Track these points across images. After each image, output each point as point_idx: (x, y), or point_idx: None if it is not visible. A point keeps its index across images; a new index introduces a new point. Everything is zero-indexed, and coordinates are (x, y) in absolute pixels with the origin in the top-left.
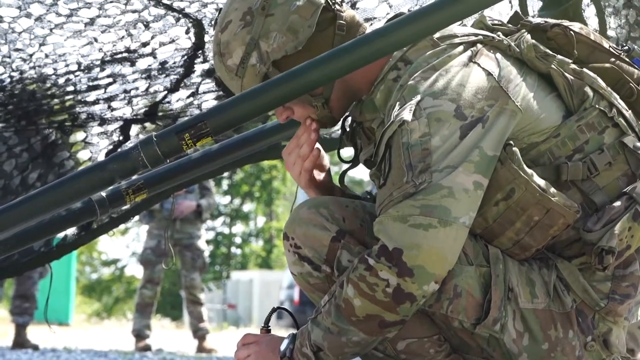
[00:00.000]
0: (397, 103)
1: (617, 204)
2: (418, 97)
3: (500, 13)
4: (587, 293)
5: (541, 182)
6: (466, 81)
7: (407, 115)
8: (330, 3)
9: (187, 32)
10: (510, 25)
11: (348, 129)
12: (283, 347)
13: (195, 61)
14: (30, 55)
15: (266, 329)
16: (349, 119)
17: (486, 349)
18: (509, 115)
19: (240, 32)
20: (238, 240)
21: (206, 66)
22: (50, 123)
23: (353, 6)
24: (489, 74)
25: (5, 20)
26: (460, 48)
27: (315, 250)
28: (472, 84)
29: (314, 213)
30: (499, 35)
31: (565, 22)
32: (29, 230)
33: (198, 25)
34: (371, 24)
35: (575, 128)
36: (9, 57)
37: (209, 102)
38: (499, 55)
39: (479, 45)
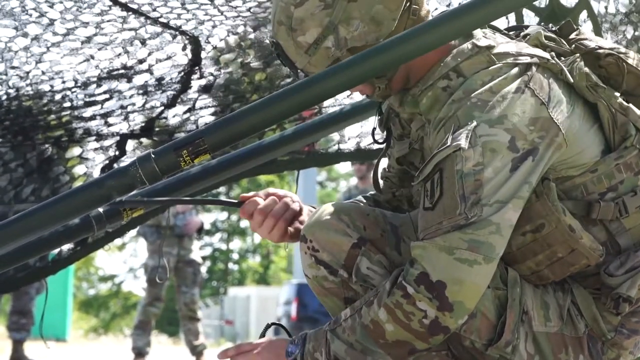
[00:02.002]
0: (452, 125)
1: None
2: (474, 123)
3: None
4: (597, 322)
5: (572, 222)
6: (521, 110)
7: (463, 142)
8: None
9: (183, 48)
10: (563, 41)
11: (384, 113)
12: (291, 349)
13: (192, 77)
14: (27, 73)
15: None
16: (385, 103)
17: None
18: (556, 147)
19: (319, 13)
20: (235, 256)
21: (203, 82)
22: (47, 138)
23: None
24: (542, 103)
25: (2, 40)
26: (516, 70)
27: (334, 255)
28: (526, 113)
29: (336, 219)
30: (552, 57)
31: (621, 50)
32: (26, 246)
33: (195, 42)
34: None
35: (613, 166)
36: (6, 74)
37: (205, 117)
38: (552, 81)
39: (534, 69)
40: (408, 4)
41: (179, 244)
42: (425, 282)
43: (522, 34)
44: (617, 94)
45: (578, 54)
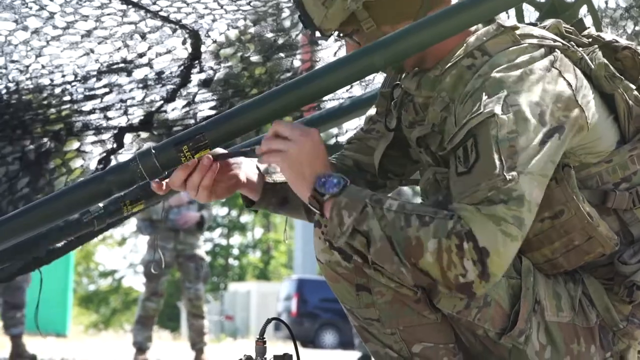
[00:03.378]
0: (482, 95)
1: None
2: (505, 92)
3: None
4: (609, 312)
5: (590, 209)
6: (549, 86)
7: (496, 108)
8: None
9: (183, 42)
10: (580, 35)
11: (394, 97)
12: (323, 189)
13: (192, 71)
14: (27, 67)
15: (262, 341)
16: (397, 89)
17: (507, 358)
18: (578, 129)
19: None
20: (236, 251)
21: (202, 76)
22: (46, 132)
23: None
24: (568, 84)
25: (1, 33)
26: (542, 50)
27: None
28: (553, 90)
29: None
30: (572, 46)
31: (639, 47)
32: (25, 240)
33: (195, 36)
34: None
35: (627, 157)
36: (5, 68)
37: (204, 111)
38: (575, 67)
39: (558, 52)
40: None
41: (175, 238)
42: (473, 242)
43: (539, 25)
44: (633, 87)
45: (596, 45)
